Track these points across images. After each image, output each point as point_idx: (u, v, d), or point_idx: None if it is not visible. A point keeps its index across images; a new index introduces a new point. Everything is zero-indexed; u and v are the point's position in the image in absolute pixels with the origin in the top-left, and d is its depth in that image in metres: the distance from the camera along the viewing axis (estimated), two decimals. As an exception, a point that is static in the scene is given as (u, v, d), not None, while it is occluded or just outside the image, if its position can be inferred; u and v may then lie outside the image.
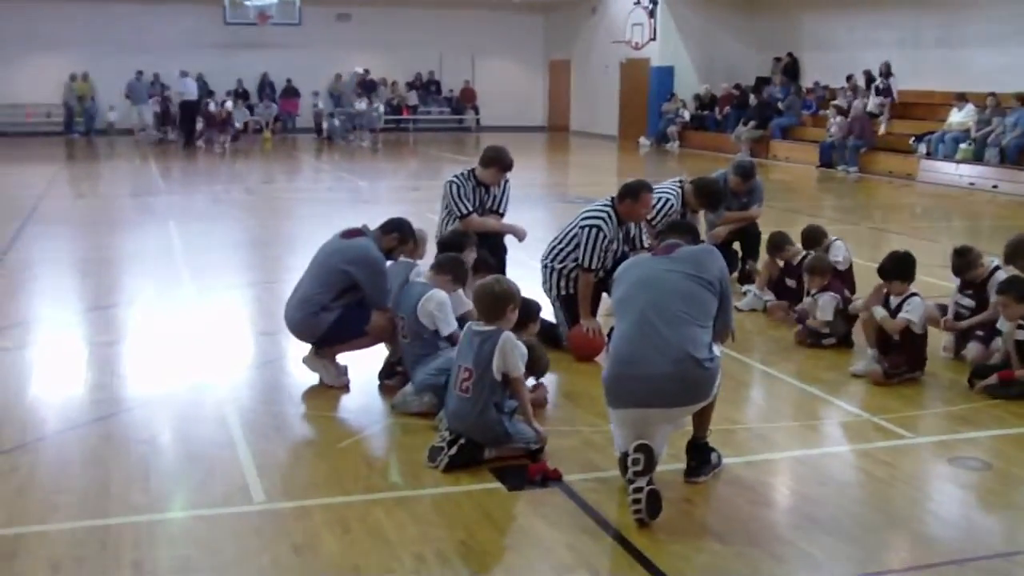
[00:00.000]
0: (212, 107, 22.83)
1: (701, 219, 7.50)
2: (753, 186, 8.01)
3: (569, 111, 27.26)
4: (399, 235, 5.29)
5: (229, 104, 23.30)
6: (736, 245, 7.97)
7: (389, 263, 5.26)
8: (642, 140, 23.21)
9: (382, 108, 24.66)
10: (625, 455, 3.69)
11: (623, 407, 3.77)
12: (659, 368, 3.68)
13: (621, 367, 3.77)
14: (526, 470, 3.99)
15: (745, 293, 7.21)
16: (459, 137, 25.42)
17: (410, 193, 14.42)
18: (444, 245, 5.59)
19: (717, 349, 3.84)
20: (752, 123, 20.43)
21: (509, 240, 6.85)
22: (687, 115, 22.75)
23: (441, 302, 4.78)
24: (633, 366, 3.73)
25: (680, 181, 6.99)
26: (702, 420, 3.98)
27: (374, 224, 5.37)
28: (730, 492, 3.90)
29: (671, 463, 4.04)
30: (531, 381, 4.63)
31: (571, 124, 27.16)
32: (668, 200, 6.73)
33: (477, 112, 27.18)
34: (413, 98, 26.63)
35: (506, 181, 6.73)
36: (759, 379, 5.59)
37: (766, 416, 4.99)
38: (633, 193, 5.81)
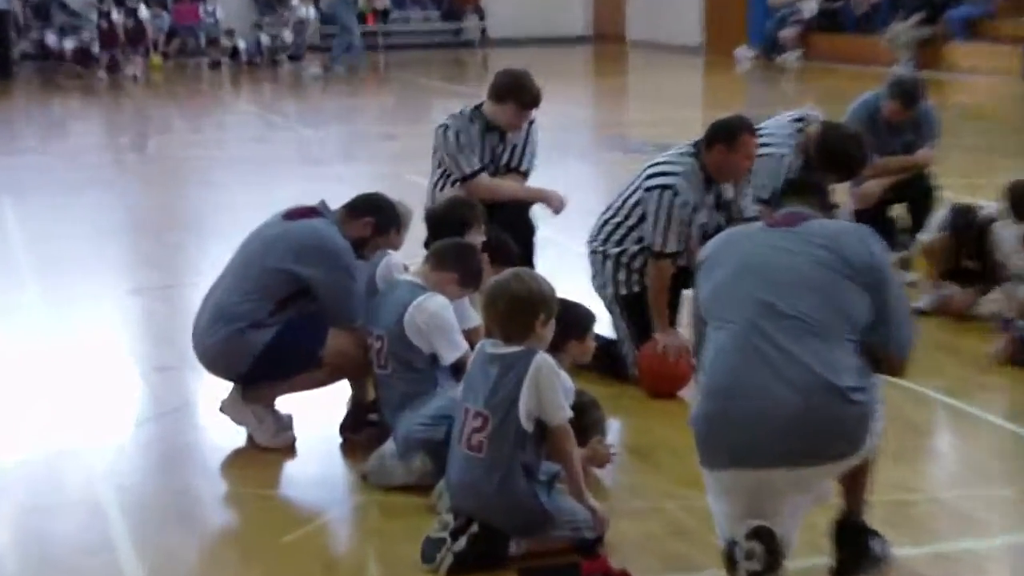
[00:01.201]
0: (114, 16, 22.94)
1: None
2: (921, 115, 7.97)
3: (624, 12, 27.31)
4: (375, 220, 5.29)
5: (144, 10, 23.36)
6: (895, 211, 7.93)
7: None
8: (740, 52, 23.20)
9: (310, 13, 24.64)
10: (733, 545, 3.67)
11: (725, 468, 3.75)
12: (780, 404, 3.66)
13: (719, 404, 3.76)
14: (577, 572, 3.97)
15: (911, 285, 7.16)
16: (456, 56, 25.52)
17: (382, 145, 14.43)
18: (436, 222, 5.58)
19: (873, 377, 3.80)
20: (915, 17, 20.34)
21: (538, 212, 6.83)
22: (810, 10, 22.69)
23: (437, 313, 4.79)
24: (738, 402, 3.71)
25: (800, 120, 6.88)
26: (855, 487, 3.96)
27: (336, 202, 5.36)
28: (907, 602, 3.88)
29: (808, 556, 4.00)
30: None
31: (628, 32, 27.22)
32: (780, 155, 6.66)
33: (482, 17, 27.28)
34: (383, -2, 26.72)
35: (531, 123, 6.73)
36: (947, 420, 5.55)
37: (962, 479, 4.95)
38: (728, 135, 5.80)
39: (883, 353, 3.86)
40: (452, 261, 4.98)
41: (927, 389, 5.75)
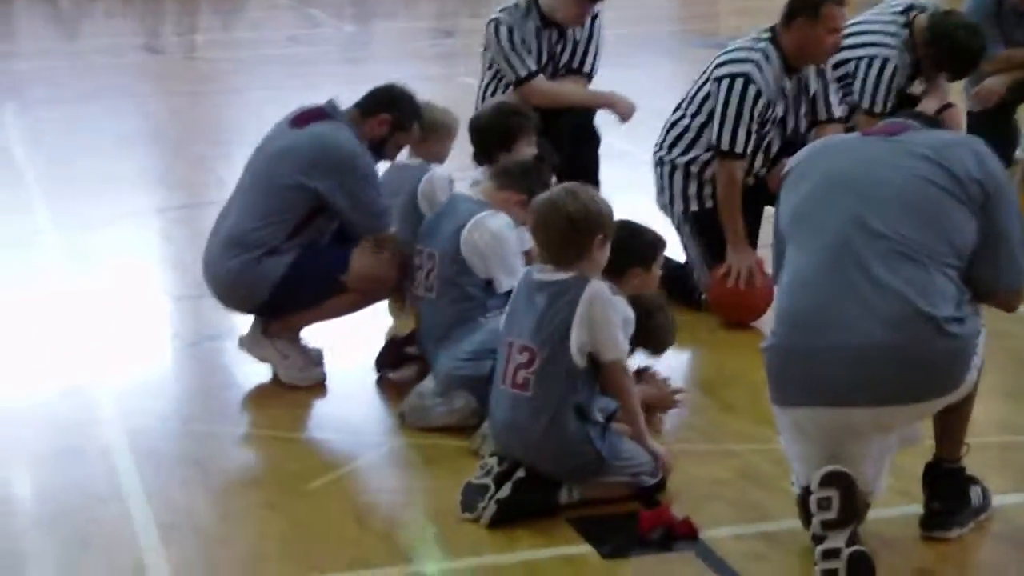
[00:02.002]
0: None
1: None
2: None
3: None
4: (392, 116, 5.32)
5: None
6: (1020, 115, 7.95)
7: (382, 167, 5.35)
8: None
9: None
10: (807, 492, 3.71)
11: (800, 405, 3.79)
12: (865, 334, 3.69)
13: (796, 335, 3.80)
14: (636, 522, 4.03)
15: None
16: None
17: (436, 43, 14.46)
18: (480, 131, 5.63)
19: (972, 306, 3.82)
20: None
21: (603, 120, 6.85)
22: None
23: (499, 232, 4.86)
24: (817, 334, 3.74)
25: (906, 10, 6.80)
26: (952, 428, 3.98)
27: (347, 101, 5.39)
28: (1013, 559, 3.89)
29: (898, 504, 4.05)
30: (637, 360, 4.67)
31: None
32: (883, 58, 6.55)
33: None
34: None
35: (595, 17, 6.74)
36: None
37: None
38: (810, 5, 5.77)
39: (991, 286, 3.86)
40: (520, 180, 5.03)
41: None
